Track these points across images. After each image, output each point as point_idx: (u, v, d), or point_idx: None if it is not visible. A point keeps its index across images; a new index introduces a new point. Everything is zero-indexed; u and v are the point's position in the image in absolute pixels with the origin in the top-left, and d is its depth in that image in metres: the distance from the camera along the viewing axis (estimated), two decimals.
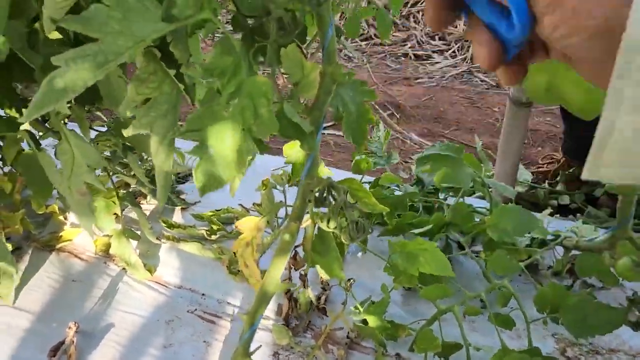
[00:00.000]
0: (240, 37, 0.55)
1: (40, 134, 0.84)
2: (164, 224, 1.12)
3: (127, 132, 0.47)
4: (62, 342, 0.84)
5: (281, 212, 0.91)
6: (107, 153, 1.02)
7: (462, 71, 2.62)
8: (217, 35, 1.31)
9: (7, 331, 0.91)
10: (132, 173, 1.05)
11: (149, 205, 1.20)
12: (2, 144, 0.91)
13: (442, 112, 2.24)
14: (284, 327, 0.89)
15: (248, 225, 0.78)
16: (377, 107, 2.22)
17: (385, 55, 2.80)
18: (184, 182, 1.29)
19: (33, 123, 0.84)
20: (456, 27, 2.95)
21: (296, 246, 0.92)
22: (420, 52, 2.83)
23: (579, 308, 0.78)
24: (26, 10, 0.68)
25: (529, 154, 1.87)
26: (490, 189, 0.98)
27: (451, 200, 1.07)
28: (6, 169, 1.01)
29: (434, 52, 2.83)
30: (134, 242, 1.04)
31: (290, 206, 0.94)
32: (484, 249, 0.95)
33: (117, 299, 0.98)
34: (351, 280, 0.91)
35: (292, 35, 0.55)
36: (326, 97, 0.60)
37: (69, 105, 0.78)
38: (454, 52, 2.80)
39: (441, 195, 1.13)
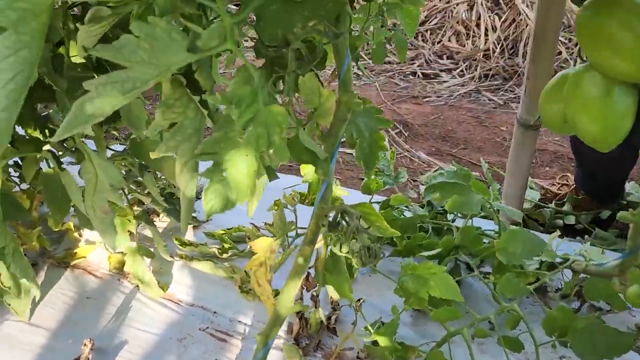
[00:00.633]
0: (261, 65, 0.58)
1: (60, 153, 0.86)
2: (176, 242, 1.13)
3: (154, 155, 0.49)
4: (78, 359, 0.86)
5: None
6: (123, 171, 1.04)
7: (470, 90, 2.64)
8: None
9: (22, 347, 0.92)
10: (146, 191, 1.07)
11: (161, 222, 1.22)
12: (20, 163, 0.93)
13: (450, 131, 2.26)
14: (294, 347, 0.90)
15: (262, 245, 0.80)
16: None
17: (394, 74, 2.83)
18: (195, 200, 1.31)
19: (52, 143, 0.86)
20: (464, 46, 2.98)
21: (309, 267, 0.94)
22: (428, 71, 2.85)
23: (587, 332, 0.79)
24: (51, 35, 0.71)
25: (537, 174, 1.88)
26: (498, 212, 0.99)
27: (459, 222, 1.09)
28: (23, 186, 1.04)
29: (442, 70, 2.86)
30: (147, 260, 1.06)
31: (302, 228, 0.96)
32: (493, 272, 0.96)
33: (131, 316, 0.99)
34: (361, 300, 0.92)
35: (310, 65, 0.57)
36: (341, 124, 0.61)
37: None
38: (462, 71, 2.82)
39: (449, 216, 1.15)
